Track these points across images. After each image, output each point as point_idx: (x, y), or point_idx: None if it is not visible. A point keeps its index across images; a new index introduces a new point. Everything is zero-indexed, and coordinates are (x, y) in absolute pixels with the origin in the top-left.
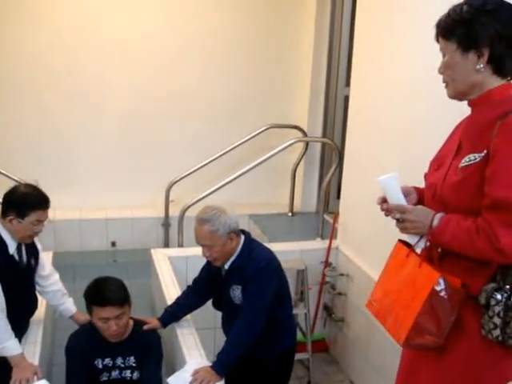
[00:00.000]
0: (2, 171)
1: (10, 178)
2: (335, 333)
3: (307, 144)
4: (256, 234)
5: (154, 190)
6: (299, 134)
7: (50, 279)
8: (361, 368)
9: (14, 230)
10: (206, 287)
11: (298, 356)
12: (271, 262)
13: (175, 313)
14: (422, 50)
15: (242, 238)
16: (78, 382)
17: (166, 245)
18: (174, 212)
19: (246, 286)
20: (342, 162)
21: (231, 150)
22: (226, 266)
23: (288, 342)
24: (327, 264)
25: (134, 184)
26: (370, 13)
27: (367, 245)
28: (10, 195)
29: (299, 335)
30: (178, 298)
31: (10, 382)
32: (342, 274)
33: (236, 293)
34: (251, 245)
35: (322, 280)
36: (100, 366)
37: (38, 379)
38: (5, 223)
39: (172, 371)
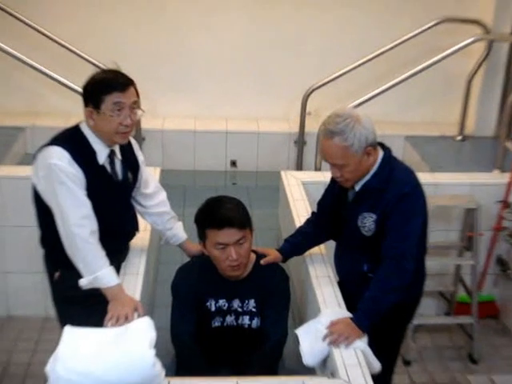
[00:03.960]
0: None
1: None
2: (510, 294)
3: (490, 45)
4: (414, 160)
5: (287, 99)
6: (480, 31)
7: (154, 199)
8: None
9: (98, 128)
10: (330, 212)
11: (459, 319)
12: (418, 187)
13: (297, 243)
14: None
15: (381, 153)
16: (185, 326)
17: (300, 167)
18: (312, 127)
19: (385, 216)
20: None
21: (389, 50)
22: (357, 188)
23: (417, 288)
24: (506, 205)
25: (262, 91)
26: None
27: None
28: (85, 84)
29: (462, 293)
30: (301, 226)
31: (105, 319)
32: None
33: (367, 222)
34: (392, 163)
35: (498, 225)
36: (213, 309)
37: (139, 316)
38: (88, 122)
39: (301, 321)
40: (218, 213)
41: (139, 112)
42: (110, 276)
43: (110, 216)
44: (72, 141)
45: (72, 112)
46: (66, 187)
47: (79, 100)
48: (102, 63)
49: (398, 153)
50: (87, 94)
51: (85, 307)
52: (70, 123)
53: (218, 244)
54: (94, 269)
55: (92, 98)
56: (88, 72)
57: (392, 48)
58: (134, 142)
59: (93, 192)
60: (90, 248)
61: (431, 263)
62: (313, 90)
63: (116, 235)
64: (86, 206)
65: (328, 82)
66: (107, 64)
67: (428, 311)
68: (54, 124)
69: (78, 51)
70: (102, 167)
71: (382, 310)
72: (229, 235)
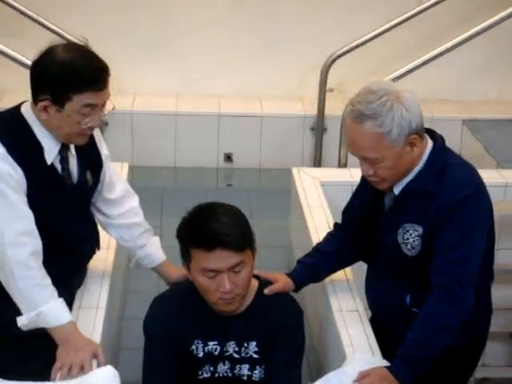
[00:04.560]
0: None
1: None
2: None
3: None
4: (475, 153)
5: (301, 71)
6: None
7: (122, 205)
8: None
9: (54, 125)
10: (359, 224)
11: None
12: (480, 190)
13: (314, 266)
14: None
15: (430, 143)
16: (163, 378)
17: (318, 162)
18: (334, 108)
19: (435, 229)
20: None
21: (437, 3)
22: (397, 191)
23: (480, 329)
24: None
25: (266, 59)
26: None
27: None
28: (40, 66)
29: None
30: (319, 243)
31: (53, 368)
32: None
33: (410, 237)
34: (444, 157)
35: None
36: (200, 355)
37: (100, 365)
38: (39, 113)
39: (319, 371)
40: (208, 228)
41: (109, 108)
42: (58, 311)
43: (59, 231)
44: (10, 129)
45: (7, 87)
46: (0, 192)
47: (18, 72)
48: (56, 26)
49: (452, 142)
50: (45, 82)
51: (24, 352)
52: (3, 103)
53: (206, 270)
54: (36, 303)
55: (53, 89)
56: (34, 33)
57: (442, 0)
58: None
59: (36, 199)
60: (31, 275)
61: (500, 294)
62: (335, 59)
63: (68, 256)
64: (26, 218)
65: (356, 46)
66: (67, 30)
67: (496, 360)
68: None
69: (17, 5)
70: (51, 167)
71: (431, 357)
72: (221, 259)
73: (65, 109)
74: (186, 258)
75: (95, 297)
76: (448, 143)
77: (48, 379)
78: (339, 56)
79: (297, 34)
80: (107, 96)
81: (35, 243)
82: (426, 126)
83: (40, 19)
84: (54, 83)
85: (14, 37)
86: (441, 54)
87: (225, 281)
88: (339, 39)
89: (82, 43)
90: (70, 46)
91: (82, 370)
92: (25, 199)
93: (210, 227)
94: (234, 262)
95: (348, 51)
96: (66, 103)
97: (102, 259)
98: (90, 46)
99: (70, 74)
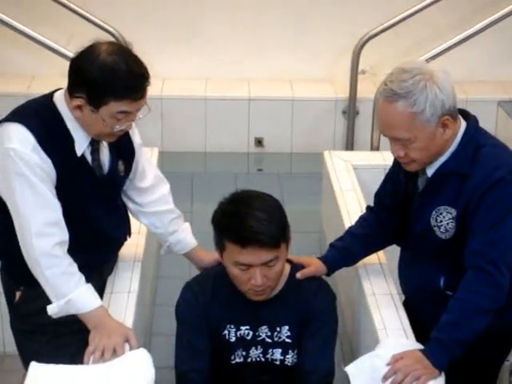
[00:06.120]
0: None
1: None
2: None
3: None
4: (511, 134)
5: (332, 53)
6: None
7: (153, 193)
8: None
9: (85, 123)
10: (392, 207)
11: None
12: None
13: (346, 250)
14: None
15: (463, 124)
16: (195, 363)
17: (350, 146)
18: (366, 90)
19: (469, 211)
20: None
21: None
22: (429, 173)
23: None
24: None
25: (296, 41)
26: None
27: None
28: (81, 64)
29: None
30: (352, 227)
31: (86, 352)
32: None
33: (444, 220)
34: (478, 139)
35: None
36: (232, 339)
37: (132, 348)
38: (73, 111)
39: (352, 355)
40: (243, 225)
41: (145, 111)
42: (87, 298)
43: (89, 220)
44: (41, 119)
45: (36, 73)
46: (28, 182)
47: (47, 59)
48: (84, 10)
49: (487, 124)
50: (83, 81)
51: (57, 338)
52: (33, 89)
53: (239, 264)
54: (65, 291)
55: (90, 91)
56: (63, 18)
57: None
58: None
59: (66, 190)
60: (57, 263)
61: None
62: (367, 40)
63: (98, 244)
64: (53, 209)
65: (388, 27)
66: (95, 14)
67: None
68: (9, 89)
69: None
70: (81, 158)
71: (465, 340)
72: (255, 256)
73: (99, 112)
74: (220, 246)
75: (127, 282)
76: (483, 125)
77: (81, 364)
78: (371, 37)
79: (328, 14)
80: (144, 103)
81: (61, 234)
82: (461, 107)
83: (68, 3)
84: (92, 85)
85: (42, 22)
86: (475, 34)
87: (257, 275)
88: (371, 20)
89: (121, 41)
90: (114, 48)
91: (115, 353)
92: (53, 190)
93: (246, 225)
94: (267, 259)
95: (380, 32)
96: (101, 107)
97: (133, 244)
98: (124, 36)
99: (109, 79)
